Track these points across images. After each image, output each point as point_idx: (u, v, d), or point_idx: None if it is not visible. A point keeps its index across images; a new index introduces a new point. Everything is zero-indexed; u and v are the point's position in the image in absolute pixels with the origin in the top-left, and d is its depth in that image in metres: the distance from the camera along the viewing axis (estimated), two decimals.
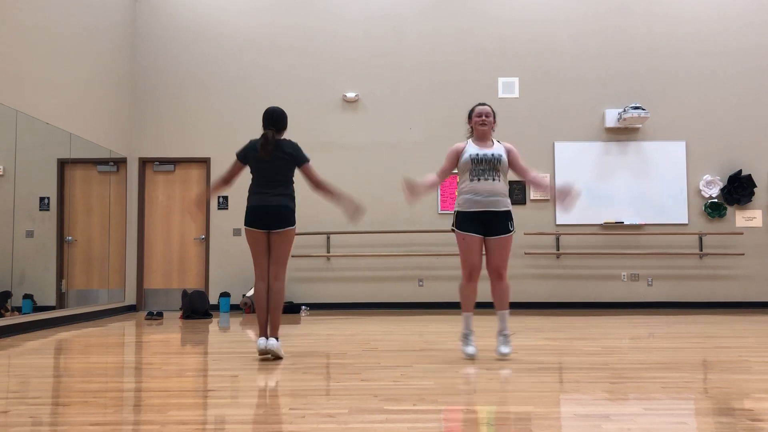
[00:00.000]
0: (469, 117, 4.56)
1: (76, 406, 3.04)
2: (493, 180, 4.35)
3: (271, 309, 4.44)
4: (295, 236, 9.05)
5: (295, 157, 4.53)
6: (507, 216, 4.40)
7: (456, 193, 4.57)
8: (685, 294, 8.77)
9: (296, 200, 4.61)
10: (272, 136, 4.46)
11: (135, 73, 9.04)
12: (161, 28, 9.09)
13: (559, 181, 4.68)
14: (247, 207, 4.50)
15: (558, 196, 4.49)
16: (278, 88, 8.92)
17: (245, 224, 4.49)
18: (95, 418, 2.80)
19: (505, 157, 4.43)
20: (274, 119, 4.57)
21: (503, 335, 4.43)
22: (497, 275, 4.42)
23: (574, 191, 4.46)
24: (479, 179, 4.35)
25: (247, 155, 4.55)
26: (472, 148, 4.44)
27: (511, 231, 4.38)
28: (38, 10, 6.72)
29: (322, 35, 9.08)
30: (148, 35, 9.09)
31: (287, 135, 4.65)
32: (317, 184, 4.62)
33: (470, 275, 4.42)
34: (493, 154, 4.38)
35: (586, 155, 8.90)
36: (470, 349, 4.40)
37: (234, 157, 4.61)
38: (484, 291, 4.54)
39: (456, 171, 4.53)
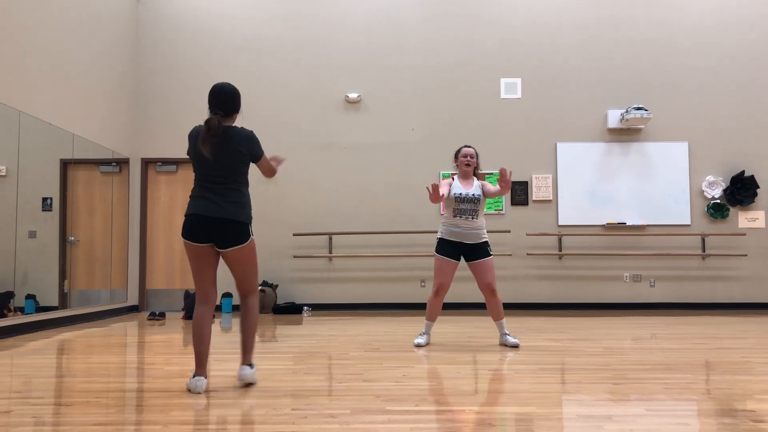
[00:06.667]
0: (456, 156, 5.14)
1: (78, 407, 3.05)
2: (473, 219, 4.96)
3: (245, 330, 3.59)
4: (298, 236, 9.02)
5: (251, 154, 3.55)
6: (485, 244, 5.00)
7: (441, 221, 5.16)
8: (688, 295, 8.75)
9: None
10: (217, 123, 3.41)
11: (137, 73, 9.05)
12: (163, 29, 9.10)
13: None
14: (186, 214, 3.48)
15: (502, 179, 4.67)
16: (280, 89, 8.93)
17: (182, 236, 3.46)
18: (97, 418, 2.81)
19: (481, 194, 4.99)
20: (223, 98, 3.48)
21: (507, 334, 5.05)
22: (490, 292, 4.97)
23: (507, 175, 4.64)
24: (461, 217, 4.96)
25: (192, 148, 3.52)
26: (457, 187, 5.01)
27: (490, 255, 4.98)
28: (40, 11, 6.73)
29: (325, 36, 9.09)
30: (150, 36, 9.10)
31: (243, 122, 3.77)
32: (269, 174, 3.80)
33: (437, 291, 5.00)
34: (473, 195, 4.97)
35: (588, 156, 8.89)
36: (419, 339, 5.09)
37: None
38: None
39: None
